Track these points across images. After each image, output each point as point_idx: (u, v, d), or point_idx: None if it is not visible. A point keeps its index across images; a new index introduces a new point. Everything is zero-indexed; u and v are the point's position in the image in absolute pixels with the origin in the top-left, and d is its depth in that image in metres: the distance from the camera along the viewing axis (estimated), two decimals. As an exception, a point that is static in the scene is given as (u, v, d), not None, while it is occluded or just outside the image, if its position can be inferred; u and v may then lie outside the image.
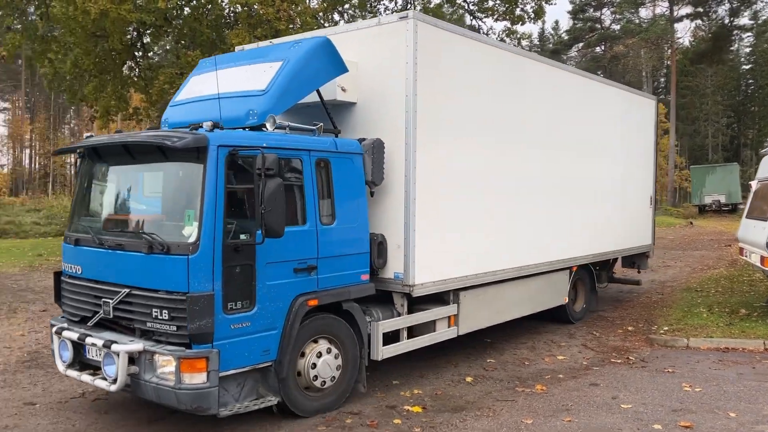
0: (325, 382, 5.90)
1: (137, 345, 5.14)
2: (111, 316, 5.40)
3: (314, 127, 6.31)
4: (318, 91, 6.42)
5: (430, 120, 6.67)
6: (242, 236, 5.30)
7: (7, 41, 17.29)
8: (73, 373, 5.59)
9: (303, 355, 5.79)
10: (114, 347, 5.12)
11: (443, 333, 7.20)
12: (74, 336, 5.51)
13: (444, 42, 6.94)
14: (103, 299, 5.46)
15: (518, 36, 22.91)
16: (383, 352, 6.43)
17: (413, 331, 6.95)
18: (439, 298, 7.12)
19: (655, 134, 12.02)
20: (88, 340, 5.38)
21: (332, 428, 5.62)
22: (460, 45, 7.23)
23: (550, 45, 66.26)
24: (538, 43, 65.62)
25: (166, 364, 5.03)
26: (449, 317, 7.29)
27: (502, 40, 21.65)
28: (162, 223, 5.54)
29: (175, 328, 5.00)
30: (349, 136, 6.60)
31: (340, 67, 6.45)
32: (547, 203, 8.72)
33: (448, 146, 7.03)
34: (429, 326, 7.07)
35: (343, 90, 6.59)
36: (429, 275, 6.73)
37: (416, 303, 6.87)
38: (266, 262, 5.45)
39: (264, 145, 5.36)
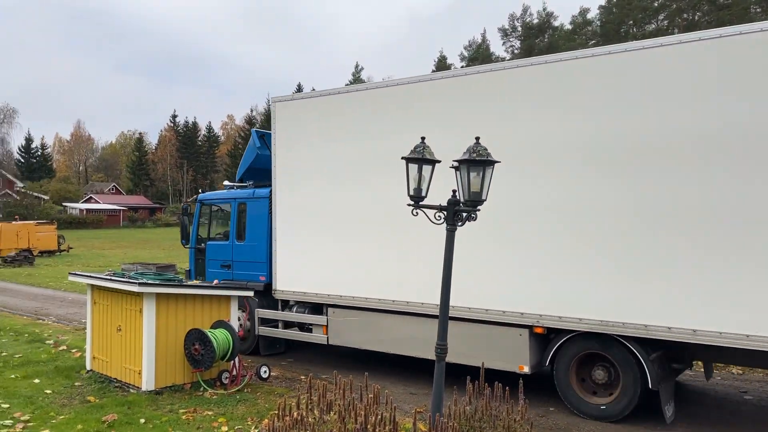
0: (248, 334, 10.10)
1: None
2: None
3: (248, 184, 10.68)
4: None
5: (287, 171, 9.44)
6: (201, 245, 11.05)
7: None
8: None
9: None
10: None
11: (316, 337, 9.35)
12: None
13: (304, 108, 9.30)
14: None
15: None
16: (259, 330, 9.98)
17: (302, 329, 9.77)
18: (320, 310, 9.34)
19: None
20: None
21: None
22: (324, 105, 9.06)
23: None
24: None
25: None
26: (323, 326, 9.18)
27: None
28: None
29: None
30: None
31: (253, 150, 10.50)
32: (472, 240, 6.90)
33: (306, 189, 9.17)
34: (304, 327, 9.67)
35: None
36: (289, 286, 9.43)
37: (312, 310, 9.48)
38: (209, 259, 10.70)
39: (210, 198, 11.23)
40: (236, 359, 8.02)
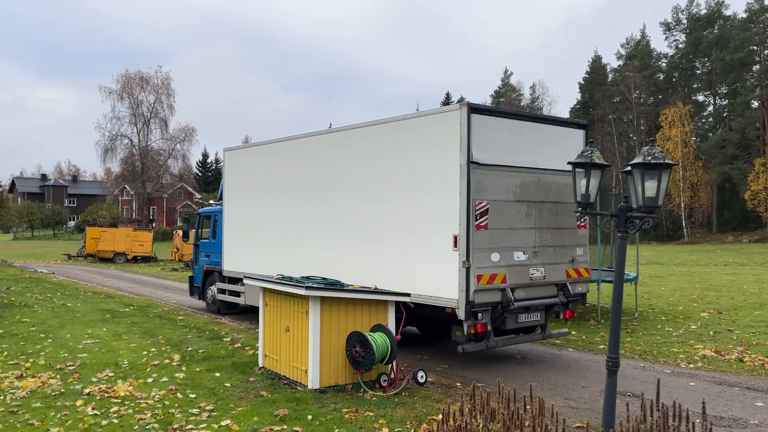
0: (217, 302, 15.68)
1: None
2: None
3: (220, 203, 15.41)
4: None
5: (234, 192, 14.45)
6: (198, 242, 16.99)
7: None
8: None
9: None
10: None
11: (239, 299, 14.45)
12: None
13: (243, 155, 14.41)
14: None
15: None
16: (217, 296, 15.65)
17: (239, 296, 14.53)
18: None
19: (462, 153, 8.84)
20: None
21: None
22: (255, 152, 14.00)
23: None
24: None
25: None
26: (242, 293, 14.11)
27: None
28: None
29: None
30: None
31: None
32: (312, 238, 11.79)
33: (242, 203, 14.10)
34: (235, 294, 14.69)
35: None
36: (229, 267, 14.59)
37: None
38: (200, 251, 16.41)
39: (204, 211, 17.20)
40: (394, 363, 8.22)
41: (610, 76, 70.91)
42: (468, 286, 8.73)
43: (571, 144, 10.08)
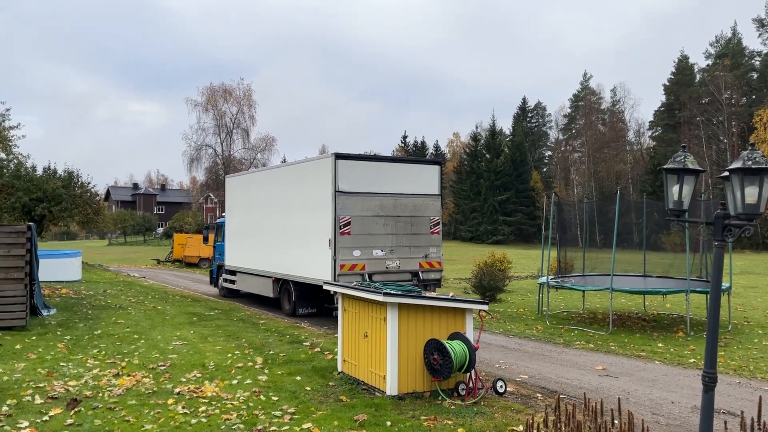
0: (223, 288, 21.38)
1: None
2: None
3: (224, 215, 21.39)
4: None
5: (230, 208, 20.43)
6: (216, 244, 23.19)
7: None
8: None
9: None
10: None
11: (233, 286, 20.10)
12: None
13: (234, 181, 20.64)
14: None
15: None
16: (222, 284, 21.47)
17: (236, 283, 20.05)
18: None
19: (332, 185, 13.70)
20: None
21: None
22: (240, 180, 20.49)
23: None
24: None
25: None
26: (235, 281, 19.71)
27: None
28: None
29: None
30: None
31: None
32: (266, 240, 17.24)
33: (234, 216, 19.94)
34: (232, 282, 20.01)
35: None
36: (229, 262, 20.19)
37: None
38: (216, 251, 22.37)
39: (219, 222, 22.50)
40: (473, 371, 8.13)
41: (698, 77, 67.64)
42: (335, 272, 13.47)
43: (427, 176, 14.68)
